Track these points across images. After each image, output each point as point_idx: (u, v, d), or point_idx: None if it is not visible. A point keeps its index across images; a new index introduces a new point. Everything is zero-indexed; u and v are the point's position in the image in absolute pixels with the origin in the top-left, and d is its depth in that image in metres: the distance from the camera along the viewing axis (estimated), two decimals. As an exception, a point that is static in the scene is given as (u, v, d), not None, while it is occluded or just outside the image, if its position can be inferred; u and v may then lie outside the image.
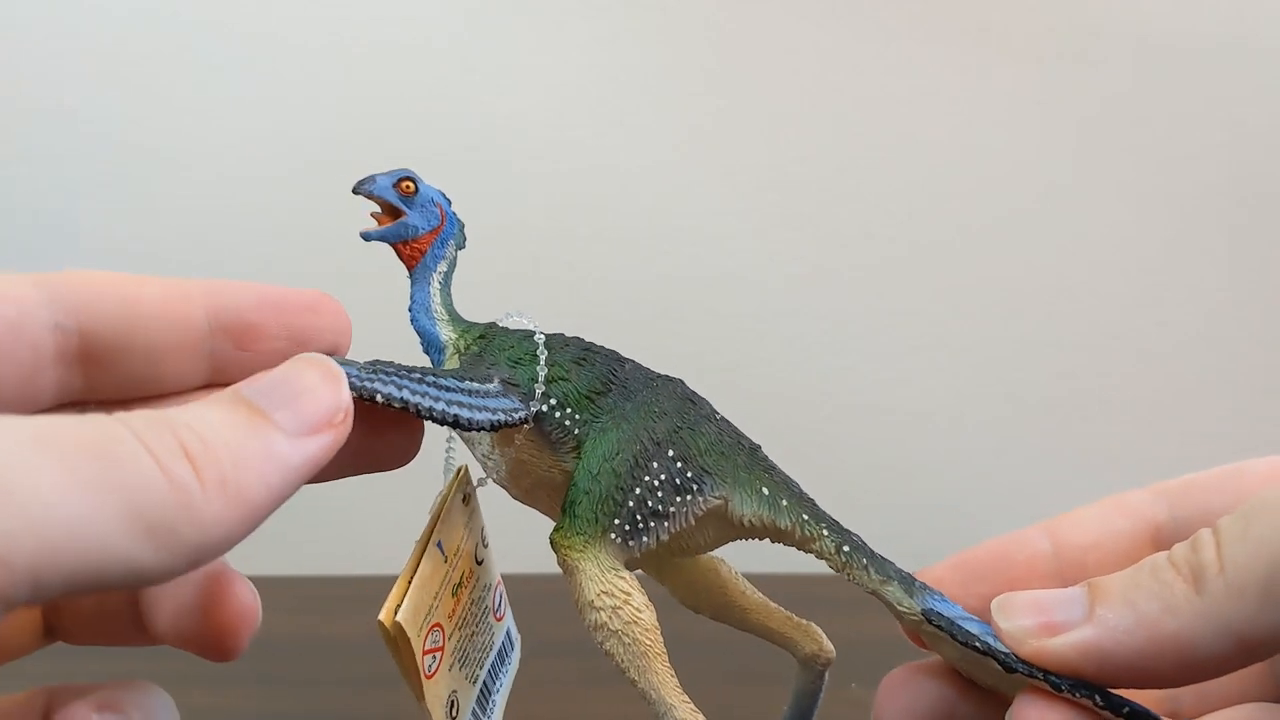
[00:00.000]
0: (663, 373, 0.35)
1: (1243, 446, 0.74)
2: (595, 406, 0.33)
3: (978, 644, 0.29)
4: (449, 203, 0.36)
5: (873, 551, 0.32)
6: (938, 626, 0.30)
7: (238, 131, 0.77)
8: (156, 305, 0.29)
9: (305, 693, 0.57)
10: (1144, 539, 0.33)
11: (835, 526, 0.32)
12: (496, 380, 0.32)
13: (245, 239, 0.78)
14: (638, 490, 0.32)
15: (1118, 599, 0.27)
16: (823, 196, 0.79)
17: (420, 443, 0.31)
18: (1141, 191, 0.79)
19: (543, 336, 0.34)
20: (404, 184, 0.35)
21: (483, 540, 0.36)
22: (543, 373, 0.33)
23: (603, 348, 0.34)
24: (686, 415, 0.33)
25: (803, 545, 0.32)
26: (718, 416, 0.34)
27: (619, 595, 0.31)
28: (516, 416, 0.32)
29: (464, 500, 0.35)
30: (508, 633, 0.37)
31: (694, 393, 0.34)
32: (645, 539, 0.32)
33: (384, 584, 0.31)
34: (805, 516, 0.32)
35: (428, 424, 0.30)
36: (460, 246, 0.36)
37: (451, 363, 0.35)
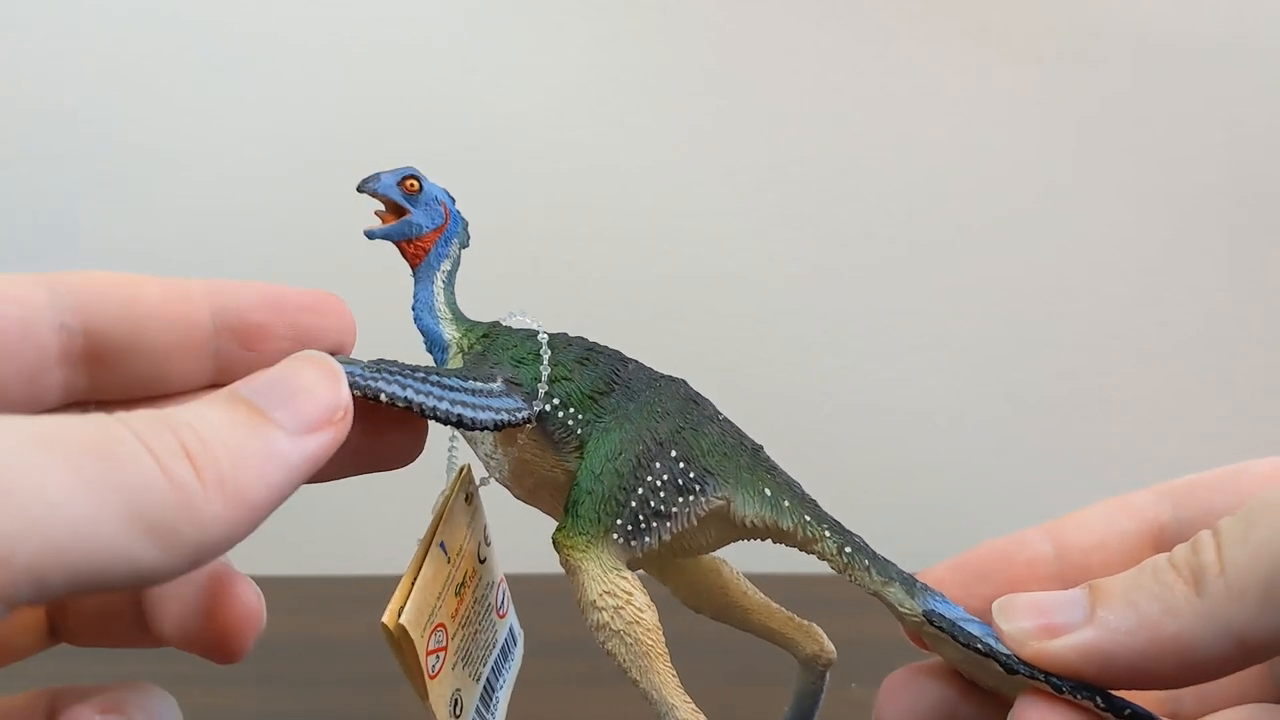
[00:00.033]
0: (665, 373, 0.35)
1: (1243, 446, 0.74)
2: (598, 406, 0.33)
3: (979, 645, 0.29)
4: (453, 201, 0.36)
5: (874, 553, 0.32)
6: (939, 628, 0.30)
7: (238, 131, 0.77)
8: (159, 305, 0.29)
9: (305, 693, 0.57)
10: (1147, 540, 0.33)
11: (837, 528, 0.32)
12: (500, 380, 0.32)
13: (245, 239, 0.78)
14: (640, 490, 0.32)
15: (1119, 601, 0.27)
16: (823, 196, 0.79)
17: (424, 442, 0.32)
18: (1141, 191, 0.79)
19: (546, 336, 0.34)
20: (408, 182, 0.35)
21: (485, 539, 0.36)
22: (546, 372, 0.33)
23: (606, 348, 0.34)
24: (689, 416, 0.33)
25: (805, 546, 0.32)
26: (720, 417, 0.34)
27: (621, 595, 0.31)
28: (520, 416, 0.32)
29: (466, 500, 0.35)
30: (510, 629, 0.37)
31: (697, 393, 0.34)
32: (647, 539, 0.32)
33: (385, 584, 0.31)
34: (807, 518, 0.32)
35: (431, 423, 0.30)
36: (464, 245, 0.36)
37: (455, 361, 0.35)
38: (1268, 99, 0.78)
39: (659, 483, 0.32)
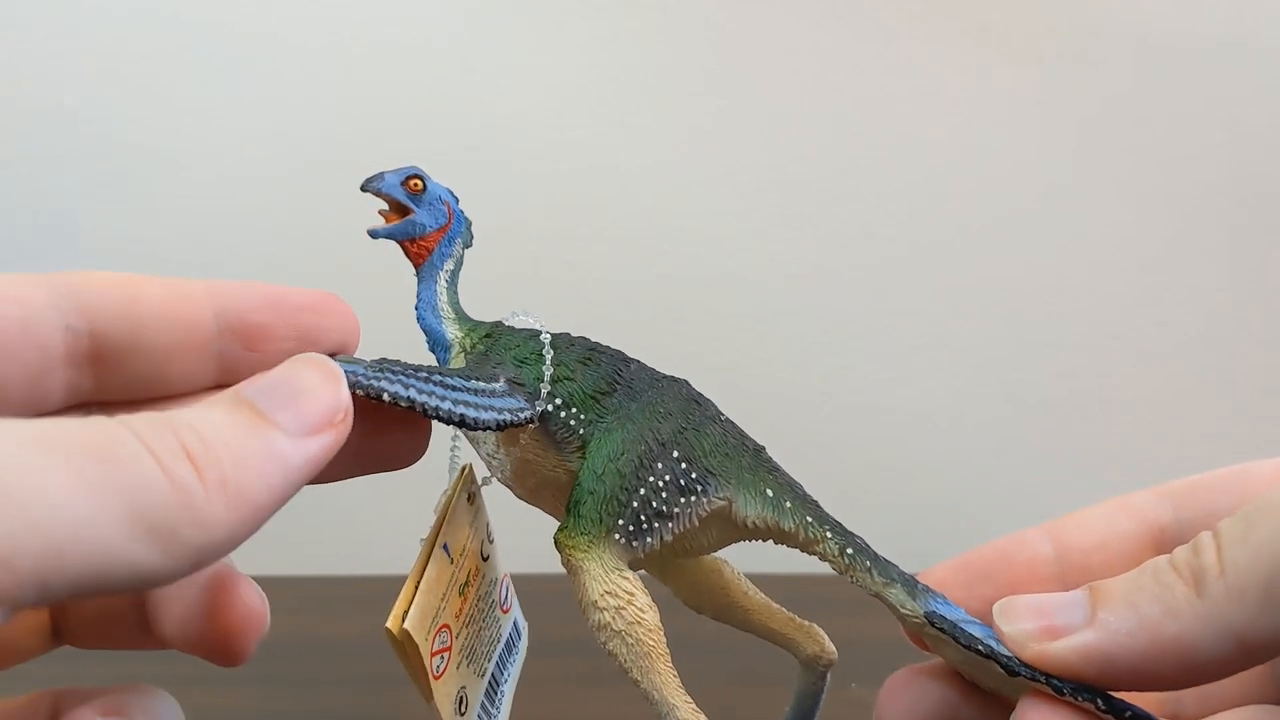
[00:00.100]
0: (667, 373, 0.35)
1: (1243, 446, 0.74)
2: (600, 406, 0.33)
3: (980, 647, 0.29)
4: (456, 201, 0.36)
5: (876, 554, 0.32)
6: (940, 629, 0.30)
7: (238, 131, 0.77)
8: (160, 305, 0.29)
9: (305, 693, 0.57)
10: (1148, 541, 0.33)
11: (839, 529, 0.32)
12: (502, 379, 0.32)
13: (245, 239, 0.78)
14: (642, 491, 0.32)
15: (1119, 602, 0.27)
16: (823, 196, 0.79)
17: (428, 442, 0.32)
18: (1141, 191, 0.79)
19: (548, 336, 0.34)
20: (412, 182, 0.35)
21: (488, 536, 0.36)
22: (548, 372, 0.33)
23: (608, 348, 0.34)
24: (691, 416, 0.33)
25: (806, 547, 0.33)
26: (722, 418, 0.34)
27: (622, 595, 0.31)
28: (522, 416, 0.32)
29: (469, 499, 0.35)
30: (515, 623, 0.37)
31: (699, 394, 0.34)
32: (649, 539, 0.32)
33: (386, 584, 0.31)
34: (809, 518, 0.32)
35: (433, 423, 0.30)
36: (467, 245, 0.36)
37: (457, 361, 0.35)
38: (1268, 99, 0.78)
39: (661, 483, 0.32)
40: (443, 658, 0.31)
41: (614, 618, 0.31)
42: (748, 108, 0.78)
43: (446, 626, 0.32)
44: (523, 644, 0.38)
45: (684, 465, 0.32)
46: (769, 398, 0.78)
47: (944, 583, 0.32)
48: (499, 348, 0.34)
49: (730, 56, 0.78)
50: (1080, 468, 0.80)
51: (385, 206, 0.36)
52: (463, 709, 0.32)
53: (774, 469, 0.33)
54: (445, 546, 0.32)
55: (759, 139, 0.78)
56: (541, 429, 0.33)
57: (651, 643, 0.31)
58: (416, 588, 0.30)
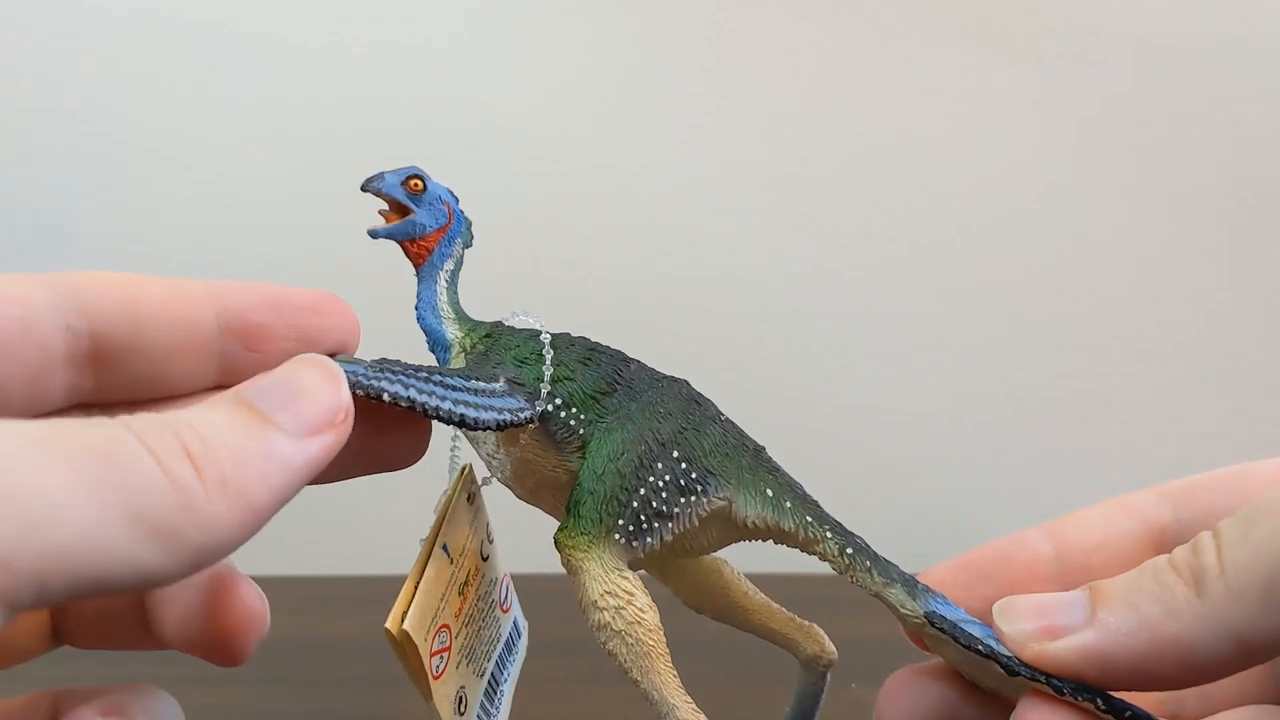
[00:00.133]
0: (667, 373, 0.35)
1: (1243, 446, 0.74)
2: (600, 406, 0.33)
3: (980, 647, 0.29)
4: (457, 201, 0.36)
5: (876, 554, 0.32)
6: (940, 629, 0.30)
7: (238, 131, 0.77)
8: (161, 305, 0.29)
9: (305, 693, 0.57)
10: (1148, 540, 0.33)
11: (839, 529, 0.32)
12: (502, 380, 0.32)
13: (245, 239, 0.78)
14: (642, 491, 0.32)
15: (1119, 602, 0.27)
16: (823, 196, 0.79)
17: (428, 442, 0.32)
18: (1141, 191, 0.79)
19: (548, 336, 0.34)
20: (412, 182, 0.35)
21: (488, 536, 0.36)
22: (548, 372, 0.33)
23: (608, 348, 0.34)
24: (691, 416, 0.33)
25: (806, 547, 0.33)
26: (722, 418, 0.34)
27: (622, 595, 0.31)
28: (522, 416, 0.32)
29: (469, 499, 0.35)
30: (515, 622, 0.37)
31: (699, 394, 0.34)
32: (649, 540, 0.32)
33: (386, 584, 0.31)
34: (809, 518, 0.32)
35: (433, 423, 0.30)
36: (467, 245, 0.36)
37: (457, 361, 0.35)
38: (1268, 99, 0.78)
39: (661, 483, 0.32)
40: (442, 658, 0.31)
41: (614, 618, 0.31)
42: (748, 108, 0.78)
43: (446, 626, 0.32)
44: (522, 644, 0.38)
45: (684, 465, 0.32)
46: (769, 398, 0.78)
47: (944, 583, 0.32)
48: (499, 348, 0.34)
49: (730, 56, 0.78)
50: (1080, 468, 0.80)
51: (385, 206, 0.36)
52: (462, 709, 0.32)
53: (774, 469, 0.33)
54: (445, 546, 0.32)
55: (759, 139, 0.78)
56: (541, 429, 0.33)
57: (651, 643, 0.31)
58: (416, 588, 0.30)
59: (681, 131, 0.78)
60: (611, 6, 0.77)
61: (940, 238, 0.79)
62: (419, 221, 0.35)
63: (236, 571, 0.29)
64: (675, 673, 0.31)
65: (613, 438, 0.33)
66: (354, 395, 0.27)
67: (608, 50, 0.77)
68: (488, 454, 0.34)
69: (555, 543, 0.33)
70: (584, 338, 0.35)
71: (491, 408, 0.31)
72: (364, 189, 0.35)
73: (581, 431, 0.33)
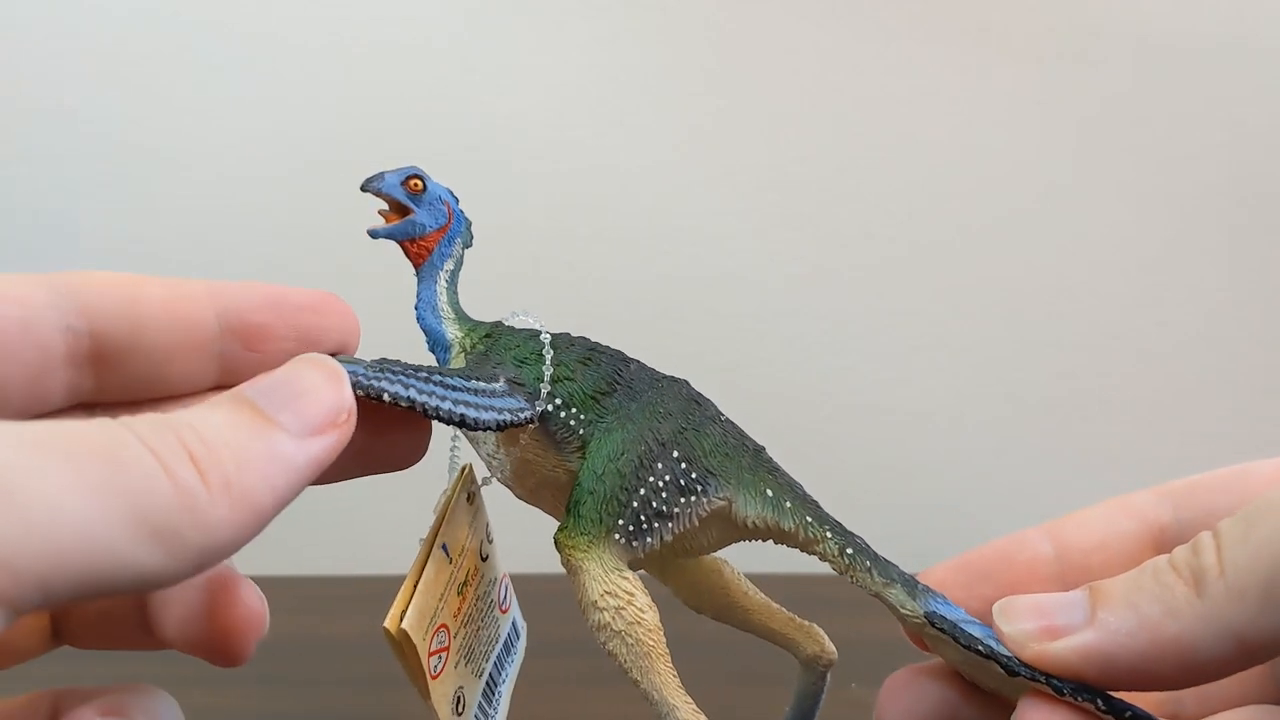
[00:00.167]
0: (667, 373, 0.35)
1: (1243, 446, 0.74)
2: (600, 407, 0.33)
3: (980, 648, 0.29)
4: (456, 200, 0.36)
5: (876, 554, 0.32)
6: (940, 629, 0.30)
7: (238, 131, 0.77)
8: (161, 305, 0.29)
9: (305, 693, 0.57)
10: (1147, 541, 0.33)
11: (839, 529, 0.32)
12: (502, 380, 0.32)
13: (245, 239, 0.78)
14: (642, 491, 0.32)
15: (1119, 602, 0.27)
16: (823, 196, 0.79)
17: (428, 443, 0.32)
18: (1141, 191, 0.79)
19: (548, 336, 0.34)
20: (412, 181, 0.35)
21: (488, 536, 0.36)
22: (548, 372, 0.33)
23: (608, 348, 0.34)
24: (691, 416, 0.33)
25: (806, 547, 0.33)
26: (722, 418, 0.34)
27: (622, 596, 0.31)
28: (522, 416, 0.32)
29: (468, 499, 0.35)
30: (513, 623, 0.37)
31: (699, 394, 0.34)
32: (649, 540, 0.32)
33: (386, 584, 0.31)
34: (809, 519, 0.32)
35: (433, 423, 0.30)
36: (467, 245, 0.36)
37: (457, 361, 0.35)
38: (1268, 99, 0.78)
39: (661, 483, 0.32)
40: (440, 657, 0.31)
41: (614, 618, 0.31)
42: (748, 108, 0.78)
43: (444, 626, 0.32)
44: (521, 645, 0.38)
45: (684, 465, 0.32)
46: (769, 398, 0.78)
47: (944, 583, 0.32)
48: (499, 348, 0.34)
49: (730, 56, 0.78)
50: (1080, 468, 0.80)
51: (385, 206, 0.36)
52: (460, 709, 0.32)
53: (774, 469, 0.33)
54: (444, 546, 0.32)
55: (759, 139, 0.78)
56: (541, 429, 0.33)
57: (651, 643, 0.31)
58: (415, 587, 0.30)
59: (681, 131, 0.78)
60: (611, 6, 0.77)
61: (940, 238, 0.79)
62: (419, 221, 0.35)
63: (236, 572, 0.29)
64: (675, 673, 0.31)
65: (613, 438, 0.33)
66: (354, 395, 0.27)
67: (608, 50, 0.77)
68: (488, 454, 0.34)
69: (555, 543, 0.33)
70: (584, 338, 0.35)
71: (492, 408, 0.31)
72: (364, 189, 0.35)
73: (581, 431, 0.33)
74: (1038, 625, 0.28)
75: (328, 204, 0.65)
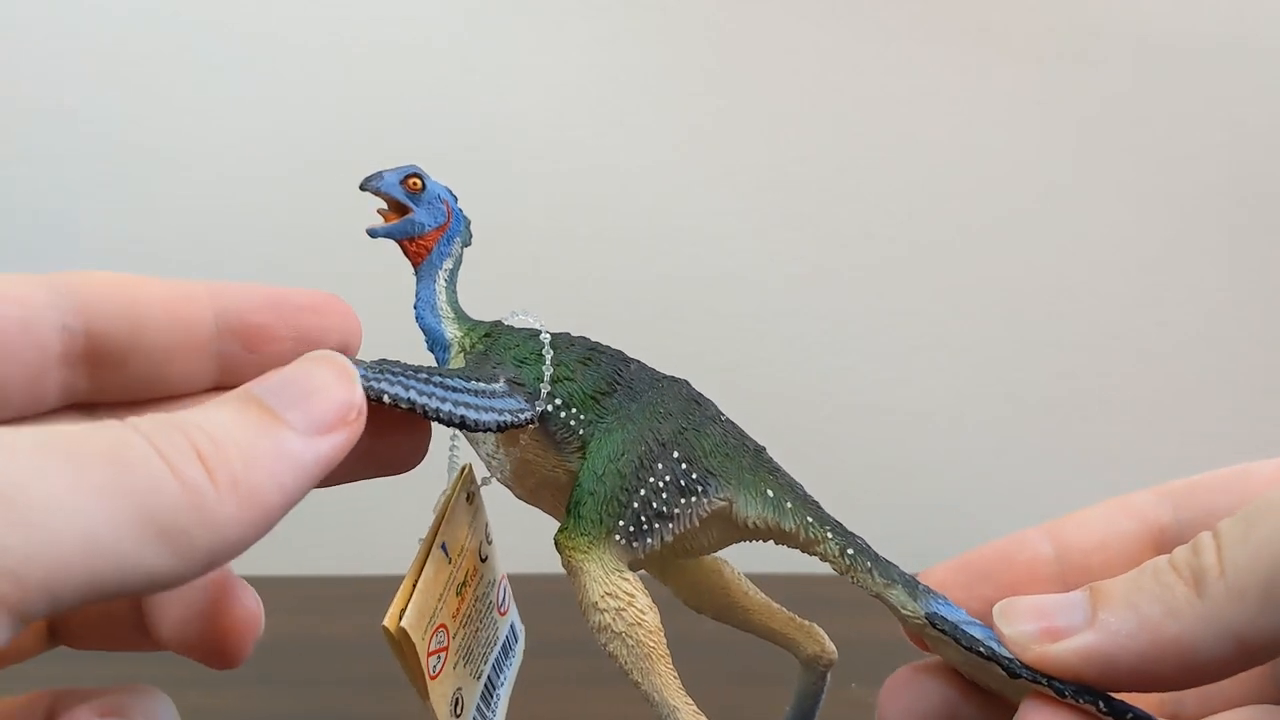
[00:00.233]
0: (667, 373, 0.35)
1: (1243, 446, 0.74)
2: (600, 407, 0.33)
3: (981, 649, 0.29)
4: (455, 199, 0.36)
5: (877, 555, 0.32)
6: (941, 631, 0.30)
7: (238, 131, 0.77)
8: (161, 306, 0.29)
9: (305, 693, 0.57)
10: (1147, 541, 0.33)
11: (839, 529, 0.32)
12: (502, 380, 0.32)
13: (245, 239, 0.78)
14: (642, 492, 0.32)
15: (1119, 603, 0.27)
16: (823, 196, 0.79)
17: (428, 446, 0.31)
18: (1141, 191, 0.79)
19: (548, 336, 0.34)
20: (411, 180, 0.35)
21: (487, 537, 0.36)
22: (548, 372, 0.33)
23: (608, 348, 0.34)
24: (692, 416, 0.33)
25: (807, 548, 0.32)
26: (723, 418, 0.34)
27: (623, 597, 0.31)
28: (522, 417, 0.32)
29: (468, 499, 0.35)
30: (512, 626, 0.37)
31: (699, 394, 0.34)
32: (650, 540, 0.32)
33: (385, 584, 0.31)
34: (810, 519, 0.32)
35: (433, 424, 0.30)
36: (466, 244, 0.36)
37: (457, 361, 0.35)
38: (1268, 99, 0.78)
39: (661, 484, 0.32)
40: (439, 658, 0.31)
41: (614, 619, 0.31)
42: (748, 108, 0.78)
43: (443, 626, 0.32)
44: (519, 647, 0.38)
45: (684, 466, 0.32)
46: (769, 398, 0.78)
47: (944, 583, 0.32)
48: (498, 347, 0.34)
49: (730, 56, 0.78)
50: (1080, 468, 0.80)
51: (384, 205, 0.36)
52: (458, 710, 0.32)
53: (774, 469, 0.33)
54: (443, 546, 0.32)
55: (759, 139, 0.78)
56: (541, 429, 0.33)
57: (652, 644, 0.31)
58: (414, 586, 0.30)
59: (681, 131, 0.78)
60: (611, 6, 0.77)
61: (940, 238, 0.79)
62: (418, 220, 0.35)
63: (233, 574, 0.29)
64: (676, 674, 0.31)
65: (613, 438, 0.32)
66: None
67: (608, 50, 0.77)
68: (487, 454, 0.34)
69: (555, 544, 0.32)
70: (584, 337, 0.35)
71: (491, 409, 0.31)
72: (363, 188, 0.35)
73: (581, 432, 0.33)
74: (1038, 627, 0.28)
75: (328, 204, 0.65)
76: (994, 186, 0.79)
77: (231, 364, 0.30)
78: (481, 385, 0.31)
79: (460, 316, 0.36)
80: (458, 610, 0.33)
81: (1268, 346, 0.80)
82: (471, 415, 0.30)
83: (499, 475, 0.35)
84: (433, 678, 0.31)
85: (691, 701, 0.31)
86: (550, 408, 0.33)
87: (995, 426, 0.81)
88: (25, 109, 0.76)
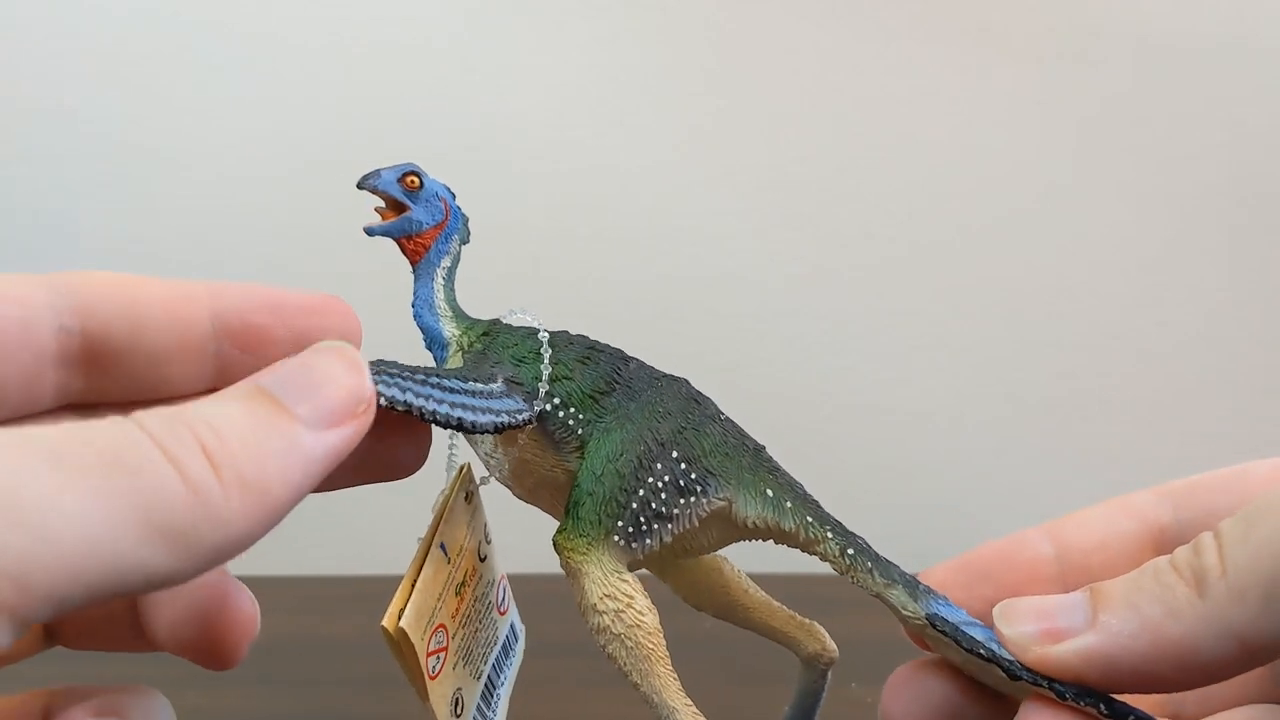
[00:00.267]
0: (666, 372, 0.35)
1: (1243, 446, 0.74)
2: (599, 406, 0.33)
3: (982, 651, 0.29)
4: (454, 197, 0.36)
5: (877, 555, 0.32)
6: (942, 632, 0.30)
7: (238, 131, 0.77)
8: (160, 306, 0.29)
9: (305, 693, 0.57)
10: (1147, 541, 0.32)
11: (839, 529, 0.32)
12: (500, 379, 0.32)
13: (245, 239, 0.77)
14: (641, 492, 0.32)
15: (1120, 604, 0.27)
16: (823, 196, 0.79)
17: (428, 451, 0.31)
18: (1141, 191, 0.79)
19: (547, 334, 0.34)
20: (409, 178, 0.35)
21: (486, 537, 0.36)
22: (547, 371, 0.33)
23: (607, 346, 0.34)
24: (691, 416, 0.33)
25: (807, 547, 0.32)
26: (722, 417, 0.34)
27: (622, 599, 0.31)
28: (520, 418, 0.31)
29: (466, 499, 0.35)
30: (511, 626, 0.37)
31: (699, 393, 0.34)
32: (649, 541, 0.32)
33: (385, 584, 0.30)
34: (809, 519, 0.32)
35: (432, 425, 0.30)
36: (464, 241, 0.36)
37: (455, 359, 0.35)
38: (1268, 99, 0.78)
39: (660, 484, 0.32)
40: (438, 658, 0.31)
41: (614, 621, 0.31)
42: (748, 108, 0.78)
43: (443, 626, 0.31)
44: (519, 647, 0.38)
45: (684, 465, 0.32)
46: (769, 398, 0.77)
47: (944, 583, 0.32)
48: (497, 346, 0.34)
49: (730, 56, 0.78)
50: (1080, 468, 0.80)
51: (382, 204, 0.36)
52: (458, 711, 0.32)
53: (774, 469, 0.33)
54: (442, 546, 0.32)
55: (759, 139, 0.78)
56: (540, 429, 0.33)
57: (651, 645, 0.31)
58: (413, 586, 0.30)
59: (681, 131, 0.78)
60: (611, 6, 0.77)
61: (940, 238, 0.79)
62: (415, 218, 0.35)
63: (229, 575, 0.29)
64: (675, 675, 0.31)
65: (611, 438, 0.32)
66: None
67: (608, 50, 0.77)
68: (486, 453, 0.34)
69: (554, 545, 0.32)
70: (583, 336, 0.34)
71: (489, 410, 0.30)
72: (360, 186, 0.35)
73: (580, 431, 0.33)
74: (1039, 628, 0.28)
75: (328, 204, 0.65)
76: (994, 186, 0.79)
77: (228, 364, 0.30)
78: (479, 385, 0.31)
79: (458, 315, 0.36)
80: (457, 610, 0.33)
81: (1268, 346, 0.80)
82: (469, 417, 0.29)
83: (497, 474, 0.34)
84: (432, 678, 0.31)
85: (691, 703, 0.31)
86: (549, 407, 0.33)
87: (995, 426, 0.81)
88: (25, 109, 0.76)
